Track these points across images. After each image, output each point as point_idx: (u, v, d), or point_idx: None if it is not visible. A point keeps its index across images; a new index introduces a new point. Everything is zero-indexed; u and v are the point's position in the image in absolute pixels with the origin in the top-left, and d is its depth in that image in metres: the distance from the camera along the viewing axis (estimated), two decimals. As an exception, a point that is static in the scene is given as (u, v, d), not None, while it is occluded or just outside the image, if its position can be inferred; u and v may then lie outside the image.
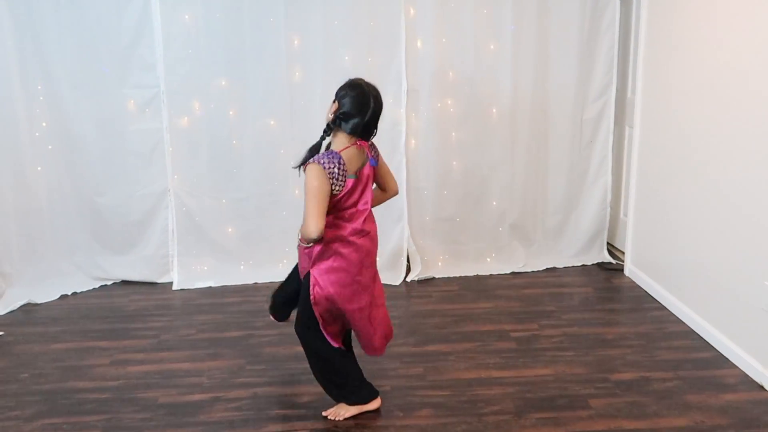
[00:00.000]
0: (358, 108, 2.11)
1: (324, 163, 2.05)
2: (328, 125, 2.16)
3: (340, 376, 2.36)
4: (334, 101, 2.15)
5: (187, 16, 3.44)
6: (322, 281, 2.19)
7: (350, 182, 2.12)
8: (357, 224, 2.17)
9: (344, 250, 2.17)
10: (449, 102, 3.68)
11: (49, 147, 3.55)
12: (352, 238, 2.17)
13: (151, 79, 3.52)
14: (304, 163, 2.12)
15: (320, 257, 2.18)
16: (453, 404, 2.44)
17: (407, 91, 3.62)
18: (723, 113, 2.74)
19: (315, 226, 2.03)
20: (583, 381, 2.60)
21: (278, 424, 2.34)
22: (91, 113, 3.54)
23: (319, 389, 2.50)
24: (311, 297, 2.21)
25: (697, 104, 2.95)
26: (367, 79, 3.59)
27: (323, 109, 3.41)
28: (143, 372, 2.75)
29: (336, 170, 2.06)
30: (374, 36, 3.54)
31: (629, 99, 3.77)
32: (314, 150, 2.15)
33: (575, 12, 3.62)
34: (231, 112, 3.58)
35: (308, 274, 2.22)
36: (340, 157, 2.07)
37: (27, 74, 3.43)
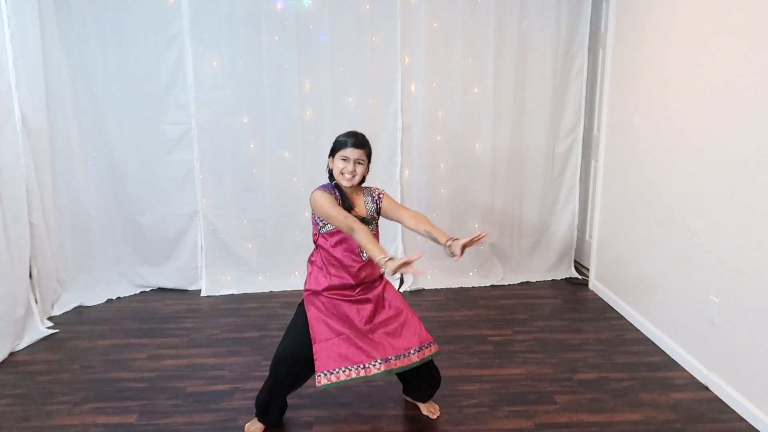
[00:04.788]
0: None
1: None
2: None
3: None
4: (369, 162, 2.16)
5: (215, 63, 3.50)
6: None
7: None
8: None
9: None
10: (438, 137, 3.70)
11: (99, 174, 3.60)
12: None
13: (184, 117, 3.56)
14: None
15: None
16: (437, 397, 2.44)
17: (402, 128, 3.63)
18: (676, 149, 2.77)
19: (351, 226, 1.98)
20: (550, 380, 2.61)
21: (287, 412, 2.34)
22: (134, 145, 3.57)
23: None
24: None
25: (653, 141, 2.98)
26: (368, 117, 3.72)
27: (329, 143, 3.52)
28: (175, 365, 2.78)
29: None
30: (374, 81, 3.57)
31: (595, 136, 3.79)
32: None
33: (549, 60, 3.65)
34: (251, 145, 3.62)
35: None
36: None
37: (80, 111, 3.49)
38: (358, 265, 2.14)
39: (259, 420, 2.28)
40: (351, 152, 2.11)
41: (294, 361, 2.09)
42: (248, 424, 2.30)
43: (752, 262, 2.28)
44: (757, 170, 2.24)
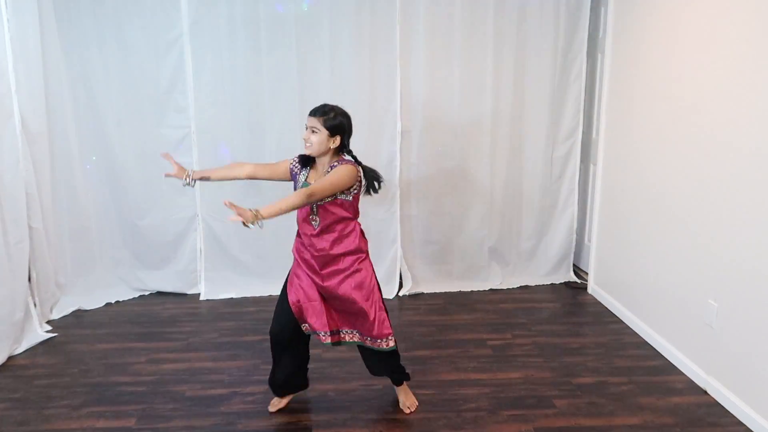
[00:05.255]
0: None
1: (357, 167, 2.18)
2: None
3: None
4: (334, 135, 2.16)
5: (214, 67, 3.49)
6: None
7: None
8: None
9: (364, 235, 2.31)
10: (437, 141, 3.70)
11: (98, 177, 3.60)
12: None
13: (184, 120, 3.56)
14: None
15: (365, 245, 2.26)
16: (436, 401, 2.46)
17: (401, 132, 3.63)
18: (675, 153, 2.78)
19: (317, 199, 2.04)
20: (549, 384, 2.61)
21: (285, 416, 2.37)
22: (133, 148, 3.57)
23: (320, 387, 2.56)
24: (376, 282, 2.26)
25: (652, 144, 2.98)
26: (368, 122, 3.74)
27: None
28: (174, 369, 2.78)
29: (360, 175, 2.19)
30: (373, 84, 3.57)
31: (594, 140, 3.79)
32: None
33: (547, 64, 3.66)
34: (250, 150, 3.61)
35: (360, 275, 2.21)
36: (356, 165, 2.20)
37: (80, 115, 3.49)
38: (310, 233, 2.21)
39: (276, 395, 2.43)
40: (307, 120, 2.17)
41: (279, 331, 2.30)
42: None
43: (751, 267, 2.28)
44: (756, 174, 2.24)
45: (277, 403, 2.44)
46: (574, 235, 3.95)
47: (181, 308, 3.56)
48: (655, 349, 2.94)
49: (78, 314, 3.47)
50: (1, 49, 2.91)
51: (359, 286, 2.21)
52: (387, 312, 2.30)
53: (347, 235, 2.20)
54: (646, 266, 3.07)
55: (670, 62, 2.82)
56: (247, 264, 3.79)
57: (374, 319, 2.22)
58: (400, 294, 3.73)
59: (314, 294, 2.25)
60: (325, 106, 2.20)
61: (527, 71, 3.68)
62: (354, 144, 3.59)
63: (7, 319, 2.88)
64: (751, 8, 2.27)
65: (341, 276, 2.20)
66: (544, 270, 3.95)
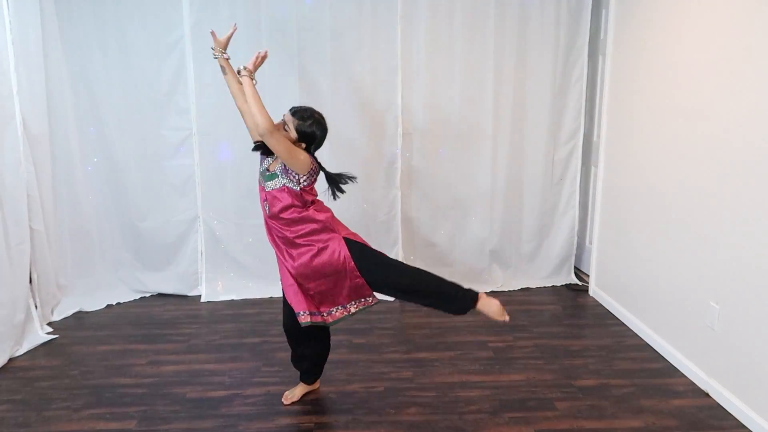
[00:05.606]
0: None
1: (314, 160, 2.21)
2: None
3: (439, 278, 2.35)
4: (300, 142, 2.21)
5: (216, 69, 3.43)
6: (346, 231, 2.29)
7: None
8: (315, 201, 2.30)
9: (322, 206, 2.31)
10: (438, 144, 3.71)
11: (99, 179, 3.60)
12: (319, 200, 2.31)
13: (185, 122, 3.56)
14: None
15: (331, 224, 2.25)
16: (437, 404, 2.46)
17: (402, 134, 3.63)
18: (676, 155, 2.78)
19: (269, 138, 2.07)
20: (551, 386, 2.60)
21: (287, 418, 2.37)
22: (134, 150, 3.57)
23: (322, 389, 2.57)
24: (360, 243, 2.27)
25: (653, 147, 2.99)
26: (369, 124, 3.73)
27: (330, 151, 3.51)
28: (175, 371, 2.78)
29: (315, 171, 2.21)
30: (374, 87, 3.58)
31: (595, 142, 3.79)
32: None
33: (548, 66, 3.66)
34: (252, 151, 3.66)
35: (344, 243, 2.22)
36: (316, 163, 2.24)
37: (81, 117, 3.49)
38: (265, 217, 2.27)
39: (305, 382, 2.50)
40: (285, 114, 2.25)
41: (286, 322, 2.39)
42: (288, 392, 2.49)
43: (752, 269, 2.28)
44: (757, 176, 2.24)
45: (291, 396, 2.48)
46: (576, 237, 3.95)
47: (182, 310, 3.56)
48: (656, 351, 2.94)
49: (79, 316, 3.47)
50: (2, 51, 2.91)
51: (328, 263, 2.21)
52: (373, 281, 2.27)
53: (299, 221, 2.21)
54: (647, 268, 3.07)
55: (671, 64, 2.83)
56: (248, 266, 3.78)
57: (350, 285, 2.24)
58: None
59: (288, 279, 2.27)
60: (307, 110, 2.23)
61: (528, 73, 3.68)
62: (355, 145, 3.64)
63: (8, 321, 2.88)
64: (752, 10, 2.27)
65: (309, 255, 2.21)
66: (545, 272, 3.95)
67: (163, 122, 3.57)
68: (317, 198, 2.31)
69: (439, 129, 3.70)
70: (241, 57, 3.49)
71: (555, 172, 3.84)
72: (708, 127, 2.54)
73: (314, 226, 2.21)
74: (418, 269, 2.36)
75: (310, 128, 2.20)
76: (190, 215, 3.71)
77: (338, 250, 2.21)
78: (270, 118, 2.10)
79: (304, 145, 2.22)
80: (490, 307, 2.27)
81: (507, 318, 2.28)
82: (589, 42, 3.68)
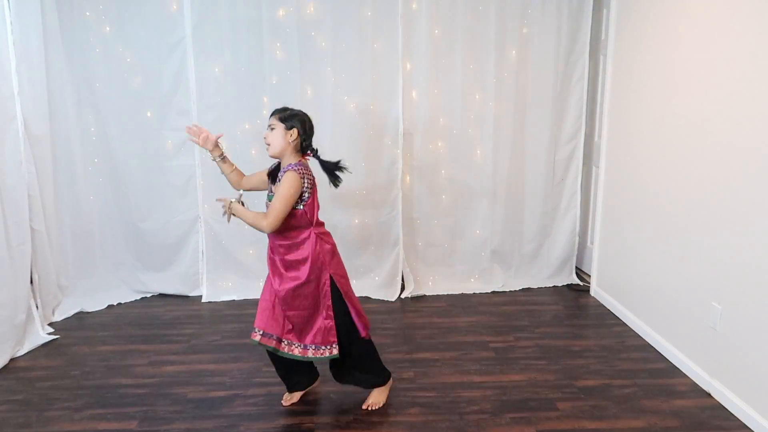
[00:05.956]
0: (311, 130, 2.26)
1: (300, 170, 2.14)
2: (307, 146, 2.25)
3: (378, 362, 2.42)
4: (291, 128, 2.19)
5: (217, 69, 3.51)
6: (336, 268, 2.26)
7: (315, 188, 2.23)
8: (321, 223, 2.29)
9: (328, 238, 2.28)
10: (440, 144, 3.71)
11: (100, 179, 3.61)
12: (325, 230, 2.30)
13: (186, 123, 3.45)
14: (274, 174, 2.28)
15: (324, 254, 2.22)
16: (439, 404, 2.46)
17: (403, 134, 3.64)
18: (677, 155, 2.78)
19: (275, 225, 2.11)
20: (552, 386, 2.60)
21: (288, 418, 2.37)
22: (136, 151, 3.58)
23: (322, 389, 2.55)
24: (341, 290, 2.25)
25: (655, 147, 2.99)
26: (370, 124, 3.74)
27: (331, 149, 3.51)
28: (176, 371, 2.78)
29: (309, 178, 2.18)
30: (376, 87, 3.58)
31: (596, 142, 3.80)
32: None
33: (550, 67, 3.67)
34: (253, 152, 3.61)
35: (323, 281, 2.22)
36: (308, 167, 2.20)
37: (82, 118, 3.50)
38: (269, 237, 2.27)
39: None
40: (269, 121, 2.23)
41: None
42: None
43: (754, 269, 2.28)
44: (758, 176, 2.24)
45: (289, 398, 2.48)
46: (577, 238, 3.95)
47: (183, 310, 3.56)
48: (658, 351, 2.94)
49: (80, 316, 3.48)
50: (4, 52, 2.92)
51: (311, 295, 2.23)
52: (347, 321, 2.30)
53: (301, 243, 2.21)
54: (648, 268, 3.06)
55: (672, 64, 2.83)
56: (249, 266, 3.79)
57: (320, 326, 2.25)
58: (402, 296, 3.74)
59: (268, 295, 2.30)
60: (284, 107, 2.26)
61: (529, 74, 3.69)
62: (356, 146, 3.65)
63: (9, 321, 2.88)
64: (753, 10, 2.27)
65: (296, 282, 2.22)
66: (546, 272, 3.95)
67: (164, 123, 3.57)
68: (323, 224, 2.29)
69: (440, 129, 3.70)
70: (242, 57, 3.54)
71: (556, 172, 3.84)
72: (709, 127, 2.54)
73: (312, 255, 2.19)
74: (373, 356, 2.42)
75: (291, 113, 2.21)
76: (191, 215, 3.71)
77: (322, 288, 2.24)
78: (262, 218, 2.11)
79: (295, 132, 2.19)
80: (382, 395, 2.46)
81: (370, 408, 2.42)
82: (590, 42, 3.68)
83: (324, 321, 2.26)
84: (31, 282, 3.16)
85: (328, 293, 2.25)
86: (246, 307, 3.62)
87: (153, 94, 3.53)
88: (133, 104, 3.54)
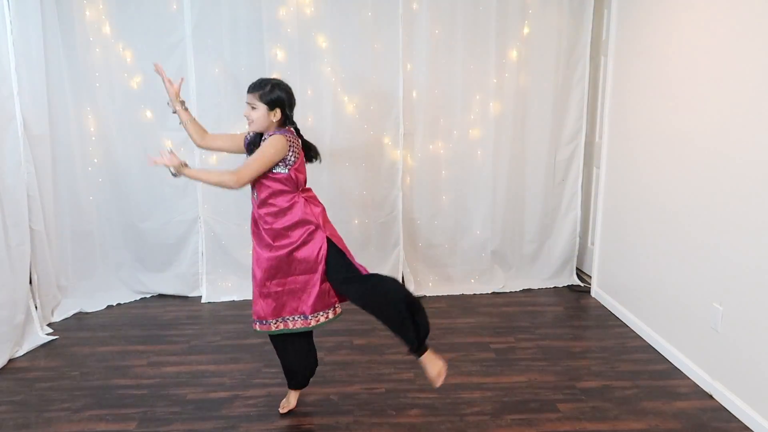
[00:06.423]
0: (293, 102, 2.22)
1: (288, 136, 2.11)
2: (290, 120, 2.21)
3: (414, 301, 2.21)
4: (274, 108, 2.14)
5: (217, 70, 3.50)
6: (332, 231, 2.24)
7: (301, 155, 2.19)
8: (308, 189, 2.27)
9: (317, 202, 2.26)
10: (440, 144, 3.71)
11: (100, 180, 3.60)
12: (312, 194, 2.29)
13: None
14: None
15: (315, 216, 2.18)
16: (439, 405, 2.45)
17: (404, 134, 3.63)
18: (678, 156, 2.78)
19: (244, 181, 2.06)
20: (553, 387, 2.60)
21: (288, 419, 2.36)
22: (135, 151, 3.56)
23: (323, 390, 2.54)
24: (340, 247, 2.19)
25: (655, 148, 2.99)
26: (369, 124, 3.72)
27: (331, 149, 3.52)
28: (175, 372, 2.77)
29: (296, 145, 2.14)
30: (376, 87, 3.57)
31: (597, 143, 3.79)
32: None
33: (550, 67, 3.66)
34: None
35: (319, 242, 2.17)
36: (295, 135, 2.18)
37: (81, 118, 3.49)
38: (254, 206, 2.22)
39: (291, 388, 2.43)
40: (246, 97, 2.17)
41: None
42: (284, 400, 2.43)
43: (756, 270, 2.27)
44: (759, 177, 2.23)
45: (286, 404, 2.44)
46: (578, 239, 3.94)
47: (183, 311, 3.56)
48: (659, 353, 2.93)
49: (79, 317, 3.47)
50: (3, 52, 2.92)
51: (305, 259, 2.18)
52: (344, 282, 2.22)
53: (289, 209, 2.15)
54: (649, 269, 3.06)
55: (673, 65, 2.82)
56: (249, 266, 3.71)
57: (319, 291, 2.19)
58: (402, 297, 3.74)
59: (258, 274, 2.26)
60: (261, 80, 2.19)
61: (530, 74, 3.68)
62: (356, 146, 3.64)
63: (8, 322, 2.88)
64: (757, 12, 2.26)
65: (289, 248, 2.17)
66: (547, 273, 3.95)
67: (163, 123, 3.56)
68: (310, 189, 2.27)
69: (440, 130, 3.70)
70: (242, 57, 3.53)
71: (557, 173, 3.84)
72: (710, 129, 2.53)
73: (302, 217, 2.15)
74: (386, 295, 2.19)
75: (273, 93, 2.15)
76: (191, 216, 3.70)
77: (318, 248, 2.17)
78: (228, 173, 2.08)
79: (279, 111, 2.16)
80: (433, 364, 2.22)
81: (438, 384, 2.23)
82: (591, 43, 3.68)
83: (322, 285, 2.20)
84: (30, 282, 3.16)
85: (324, 257, 2.18)
86: (246, 307, 3.58)
87: (153, 94, 3.51)
88: (133, 104, 3.53)
